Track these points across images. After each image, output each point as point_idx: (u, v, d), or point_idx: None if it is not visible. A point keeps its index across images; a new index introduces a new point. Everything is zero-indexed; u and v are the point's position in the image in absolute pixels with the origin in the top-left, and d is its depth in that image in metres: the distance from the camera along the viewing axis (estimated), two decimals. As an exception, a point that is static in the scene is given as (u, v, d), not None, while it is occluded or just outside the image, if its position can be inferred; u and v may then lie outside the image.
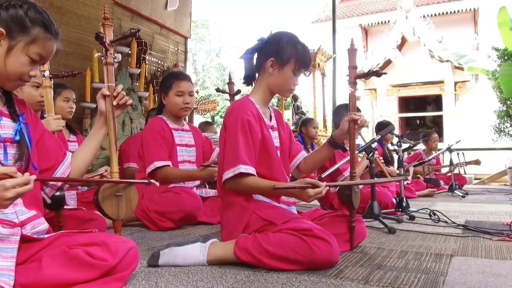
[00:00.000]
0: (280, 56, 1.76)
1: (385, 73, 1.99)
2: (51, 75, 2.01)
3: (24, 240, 1.28)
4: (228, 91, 3.11)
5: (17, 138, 1.33)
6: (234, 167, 1.61)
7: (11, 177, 1.08)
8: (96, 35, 1.63)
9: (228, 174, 1.63)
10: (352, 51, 1.90)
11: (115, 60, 1.68)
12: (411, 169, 4.34)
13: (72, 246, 1.26)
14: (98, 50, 4.43)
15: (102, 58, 1.67)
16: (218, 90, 3.52)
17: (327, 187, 1.53)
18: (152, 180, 1.62)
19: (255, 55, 1.88)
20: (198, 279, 1.38)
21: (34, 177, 1.13)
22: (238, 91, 3.11)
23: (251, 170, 1.62)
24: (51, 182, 1.53)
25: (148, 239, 2.13)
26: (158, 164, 2.51)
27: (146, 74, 5.35)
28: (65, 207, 2.01)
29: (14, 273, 1.18)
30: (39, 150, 1.44)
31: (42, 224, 1.38)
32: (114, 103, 1.61)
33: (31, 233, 1.32)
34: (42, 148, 1.45)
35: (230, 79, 3.21)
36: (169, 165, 2.55)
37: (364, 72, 1.89)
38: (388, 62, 12.46)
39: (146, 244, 1.99)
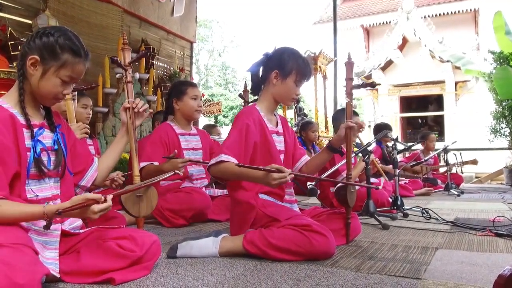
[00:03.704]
0: (283, 68, 1.97)
1: (379, 84, 2.22)
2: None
3: (64, 234, 1.50)
4: (244, 97, 3.40)
5: (56, 147, 1.54)
6: (217, 156, 1.82)
7: (97, 202, 1.33)
8: (111, 59, 1.85)
9: (211, 162, 1.85)
10: (349, 65, 2.10)
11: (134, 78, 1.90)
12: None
13: (105, 240, 1.47)
14: (110, 57, 4.67)
15: (123, 77, 1.88)
16: (241, 96, 3.79)
17: (292, 175, 1.69)
18: (177, 171, 1.83)
19: (261, 68, 2.08)
20: (212, 268, 1.59)
21: (110, 197, 1.39)
22: (255, 100, 3.36)
23: (231, 159, 1.80)
24: (81, 184, 1.72)
25: (164, 235, 2.35)
26: (142, 165, 2.65)
27: (154, 79, 5.56)
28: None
29: (59, 262, 1.40)
30: (72, 155, 1.64)
31: (77, 221, 1.61)
32: (136, 110, 1.80)
33: (69, 229, 1.54)
34: (74, 154, 1.66)
35: (245, 87, 3.46)
36: (152, 163, 2.68)
37: (359, 84, 2.09)
38: (389, 63, 12.64)
39: (162, 239, 2.20)
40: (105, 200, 1.35)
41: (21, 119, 1.44)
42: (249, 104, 2.99)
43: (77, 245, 1.49)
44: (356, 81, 12.23)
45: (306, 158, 2.19)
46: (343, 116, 2.24)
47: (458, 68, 11.16)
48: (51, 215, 1.30)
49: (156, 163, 2.70)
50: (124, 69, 1.88)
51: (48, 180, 1.49)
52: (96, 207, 1.32)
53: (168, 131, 2.87)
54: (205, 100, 6.99)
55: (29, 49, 1.44)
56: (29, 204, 1.34)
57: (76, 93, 2.38)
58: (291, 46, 2.07)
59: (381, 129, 4.49)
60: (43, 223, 1.43)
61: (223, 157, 1.80)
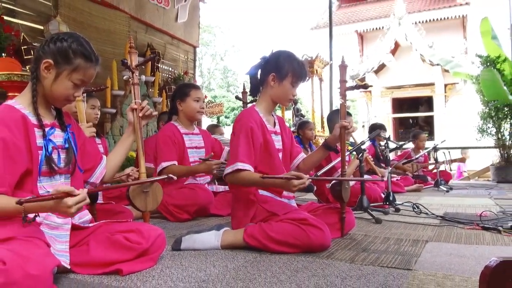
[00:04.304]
0: (279, 71, 1.96)
1: (371, 86, 2.22)
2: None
3: (74, 228, 1.50)
4: (243, 99, 3.39)
5: (66, 145, 1.54)
6: (233, 164, 1.83)
7: (70, 195, 1.21)
8: (122, 62, 1.84)
9: (227, 170, 1.85)
10: (342, 67, 2.10)
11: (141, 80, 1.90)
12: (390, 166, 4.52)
13: (113, 233, 1.47)
14: (117, 61, 4.67)
15: (130, 79, 1.88)
16: (237, 97, 3.78)
17: (310, 180, 1.71)
18: (171, 175, 1.82)
19: (259, 71, 2.08)
20: (215, 259, 1.59)
21: (86, 190, 1.28)
22: (253, 100, 3.36)
23: (247, 167, 1.81)
24: (91, 181, 1.72)
25: (169, 229, 2.35)
26: (164, 164, 2.70)
27: (160, 81, 5.56)
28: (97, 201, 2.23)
29: (69, 254, 1.40)
30: (82, 153, 1.64)
31: (86, 215, 1.61)
32: (140, 114, 1.81)
33: (78, 222, 1.54)
34: (84, 152, 1.66)
35: (244, 89, 3.46)
36: (174, 164, 2.73)
37: (352, 86, 2.09)
38: (382, 66, 12.65)
39: (167, 233, 2.20)
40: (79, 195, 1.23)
41: (33, 119, 1.44)
42: (248, 105, 3.01)
43: (87, 238, 1.49)
44: (350, 83, 12.23)
45: (302, 155, 2.19)
46: (337, 117, 2.24)
47: (447, 71, 11.18)
48: (26, 209, 1.22)
49: (175, 163, 2.73)
50: (131, 71, 1.88)
51: (59, 177, 1.49)
52: (70, 200, 1.20)
53: (174, 130, 2.88)
54: (208, 101, 6.98)
55: (44, 53, 1.44)
56: (13, 198, 1.25)
57: (85, 94, 2.38)
58: (288, 50, 2.06)
59: (375, 129, 4.49)
60: (54, 217, 1.43)
61: (239, 165, 1.80)
